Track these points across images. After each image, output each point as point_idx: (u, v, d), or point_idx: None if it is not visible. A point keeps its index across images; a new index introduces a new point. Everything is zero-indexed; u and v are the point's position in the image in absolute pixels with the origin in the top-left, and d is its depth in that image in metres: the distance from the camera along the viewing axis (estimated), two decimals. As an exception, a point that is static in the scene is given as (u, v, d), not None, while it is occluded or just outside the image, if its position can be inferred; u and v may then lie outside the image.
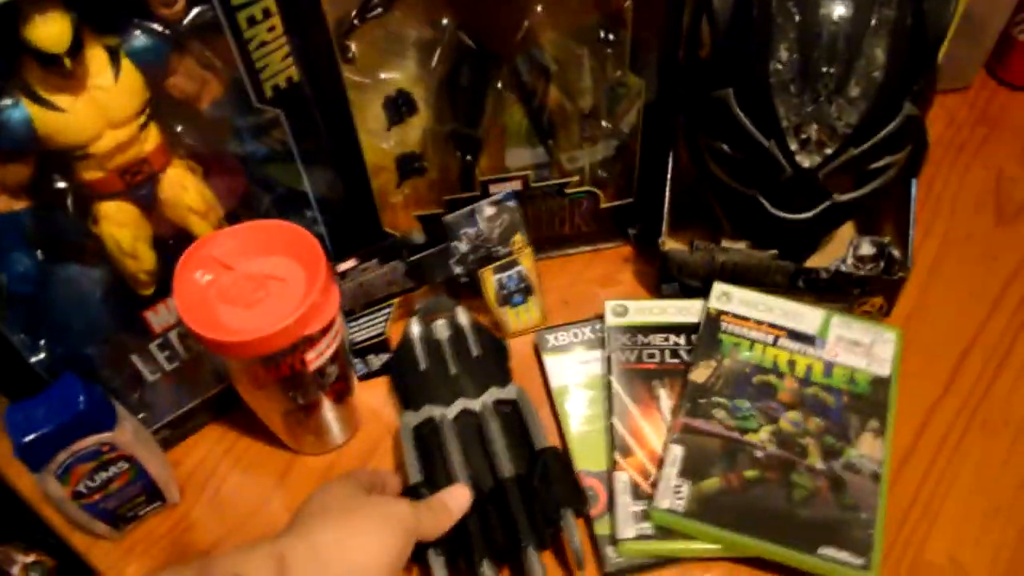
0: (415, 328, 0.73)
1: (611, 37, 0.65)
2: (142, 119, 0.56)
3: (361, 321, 0.72)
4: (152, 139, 0.57)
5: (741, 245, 0.70)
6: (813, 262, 0.71)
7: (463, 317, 0.73)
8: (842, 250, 0.72)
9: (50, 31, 0.48)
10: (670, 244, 0.72)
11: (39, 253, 0.57)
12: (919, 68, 0.64)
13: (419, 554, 0.57)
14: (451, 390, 0.69)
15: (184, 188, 0.60)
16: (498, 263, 0.71)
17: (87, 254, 0.60)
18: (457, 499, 0.59)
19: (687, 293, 0.73)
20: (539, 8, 0.64)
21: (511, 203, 0.69)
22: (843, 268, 0.70)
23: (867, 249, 0.71)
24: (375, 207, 0.71)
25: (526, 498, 0.60)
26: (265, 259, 0.60)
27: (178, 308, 0.57)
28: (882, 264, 0.71)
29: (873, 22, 0.62)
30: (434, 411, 0.67)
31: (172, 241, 0.62)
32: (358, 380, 0.71)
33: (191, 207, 0.61)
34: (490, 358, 0.71)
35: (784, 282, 0.71)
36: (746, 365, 0.66)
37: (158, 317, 0.63)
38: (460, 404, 0.68)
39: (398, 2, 0.63)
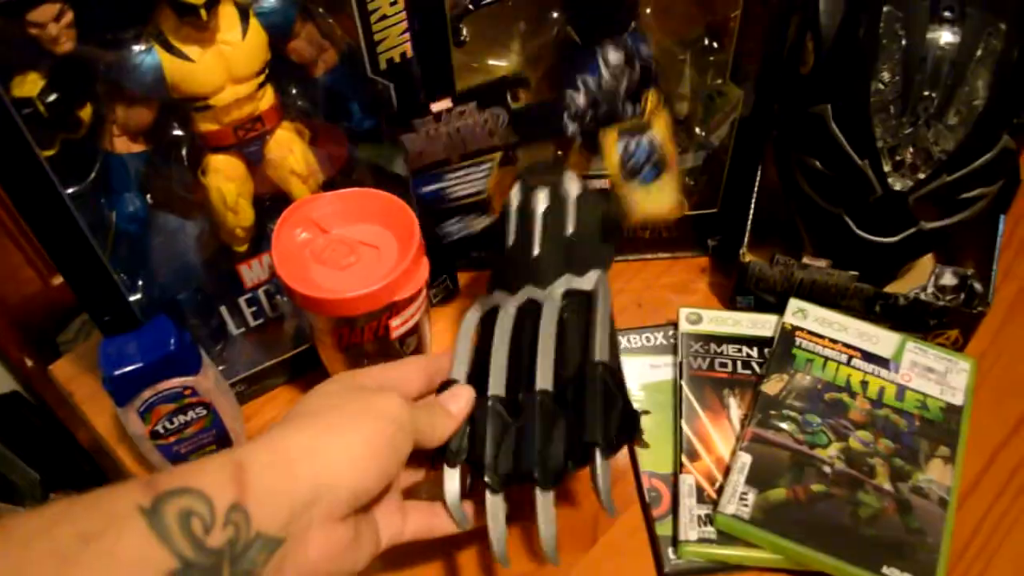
0: (515, 197, 0.61)
1: (715, 45, 0.66)
2: (261, 78, 0.58)
3: (459, 174, 0.66)
4: (267, 99, 0.59)
5: (822, 263, 0.70)
6: (894, 288, 0.71)
7: (570, 185, 0.59)
8: (917, 282, 0.72)
9: (195, -19, 0.51)
10: (750, 257, 0.72)
11: (148, 197, 0.60)
12: (1020, 102, 0.64)
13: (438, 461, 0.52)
14: (525, 275, 0.58)
15: (291, 150, 0.62)
16: (624, 125, 0.60)
17: (191, 205, 0.62)
18: (459, 400, 0.51)
19: (760, 307, 0.74)
20: (648, 10, 0.66)
21: (644, 50, 0.57)
22: (923, 296, 0.70)
23: (949, 279, 0.71)
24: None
25: (553, 421, 0.50)
26: (360, 226, 0.61)
27: (274, 261, 0.58)
28: (962, 296, 0.70)
29: (979, 52, 0.62)
30: (502, 300, 0.57)
31: (269, 201, 0.64)
32: (452, 241, 0.67)
33: (294, 170, 0.63)
34: (587, 238, 0.59)
35: (860, 306, 0.71)
36: (818, 382, 0.66)
37: (251, 272, 0.65)
38: (527, 292, 0.57)
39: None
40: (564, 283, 0.56)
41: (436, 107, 0.61)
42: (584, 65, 0.57)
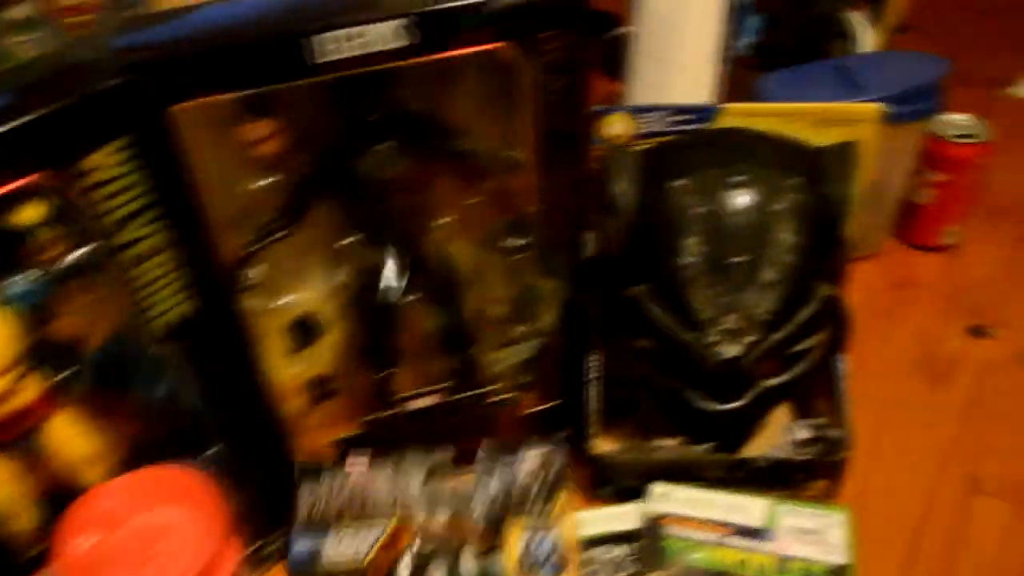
0: (405, 567, 0.56)
1: (519, 243, 0.64)
2: (21, 368, 0.52)
3: (343, 533, 0.60)
4: (32, 389, 0.53)
5: (674, 442, 0.67)
6: (751, 451, 0.68)
7: (467, 564, 0.57)
8: (773, 439, 0.70)
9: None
10: (602, 446, 0.68)
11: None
12: (828, 247, 0.64)
13: None
14: None
15: (71, 437, 0.55)
16: (531, 521, 0.62)
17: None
18: None
19: (625, 496, 0.69)
20: (447, 219, 0.63)
21: (559, 452, 0.65)
22: (782, 455, 0.68)
23: (804, 433, 0.69)
24: (283, 436, 0.66)
25: None
26: (158, 509, 0.54)
27: (56, 584, 0.50)
28: (821, 446, 0.68)
29: (777, 207, 0.62)
30: None
31: (58, 494, 0.56)
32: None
33: (80, 457, 0.56)
34: None
35: (724, 475, 0.68)
36: (698, 571, 0.62)
37: (40, 586, 0.56)
38: None
39: (301, 223, 0.62)
40: None
41: (350, 467, 0.64)
42: (502, 464, 0.64)
